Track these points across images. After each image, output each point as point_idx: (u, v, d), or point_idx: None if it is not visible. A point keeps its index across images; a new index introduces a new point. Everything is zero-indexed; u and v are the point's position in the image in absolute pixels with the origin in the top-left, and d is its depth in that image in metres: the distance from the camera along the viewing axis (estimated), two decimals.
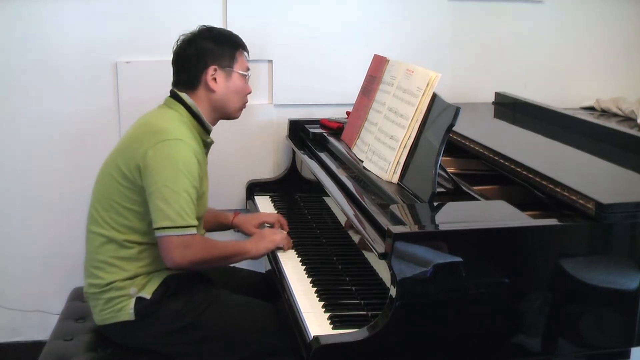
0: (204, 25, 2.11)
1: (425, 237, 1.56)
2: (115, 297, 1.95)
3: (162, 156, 1.87)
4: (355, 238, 1.95)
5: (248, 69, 2.12)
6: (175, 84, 2.09)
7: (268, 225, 2.31)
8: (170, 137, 1.90)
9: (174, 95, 2.06)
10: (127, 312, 1.94)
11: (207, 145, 2.11)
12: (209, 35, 2.07)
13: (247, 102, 2.16)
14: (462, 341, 1.61)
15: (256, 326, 1.98)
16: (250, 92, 2.15)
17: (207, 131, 2.09)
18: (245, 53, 2.13)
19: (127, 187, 1.93)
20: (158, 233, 1.87)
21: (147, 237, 1.95)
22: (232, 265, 2.35)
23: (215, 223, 2.35)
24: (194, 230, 1.89)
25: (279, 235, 2.12)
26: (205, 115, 2.06)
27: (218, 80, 2.04)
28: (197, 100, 2.05)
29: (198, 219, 1.97)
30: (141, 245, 1.96)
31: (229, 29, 2.69)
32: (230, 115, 2.13)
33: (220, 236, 2.37)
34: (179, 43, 2.08)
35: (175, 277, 2.00)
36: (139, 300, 1.94)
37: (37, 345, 2.41)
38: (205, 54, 2.03)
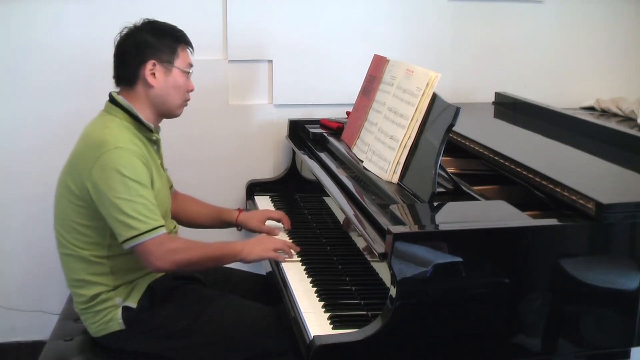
0: (147, 19, 2.04)
1: (425, 237, 1.56)
2: (103, 309, 1.94)
3: (105, 170, 1.82)
4: (359, 242, 1.94)
5: (191, 66, 2.04)
6: (116, 79, 2.02)
7: (274, 222, 2.29)
8: (109, 147, 1.83)
9: (111, 100, 2.00)
10: (116, 322, 1.93)
11: (154, 142, 2.04)
12: (149, 28, 2.00)
13: (188, 99, 2.06)
14: (462, 341, 1.61)
15: (254, 328, 1.97)
16: (192, 90, 2.06)
17: (150, 130, 2.01)
18: (189, 49, 2.05)
19: (81, 205, 1.89)
20: (127, 245, 1.83)
21: (113, 249, 1.92)
22: (230, 266, 2.35)
23: (217, 220, 2.32)
24: (163, 230, 1.85)
25: (279, 244, 2.05)
26: (144, 114, 1.98)
27: (157, 76, 1.97)
28: (135, 98, 1.98)
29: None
30: (111, 259, 1.93)
31: (229, 29, 2.72)
32: (170, 113, 2.04)
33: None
34: (120, 35, 2.01)
35: (160, 282, 1.98)
36: (126, 309, 1.93)
37: (37, 345, 2.41)
38: (144, 47, 1.96)
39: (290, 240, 2.18)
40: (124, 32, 2.02)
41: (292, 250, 2.07)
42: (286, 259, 2.03)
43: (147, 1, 2.64)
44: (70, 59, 2.63)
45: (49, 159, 2.67)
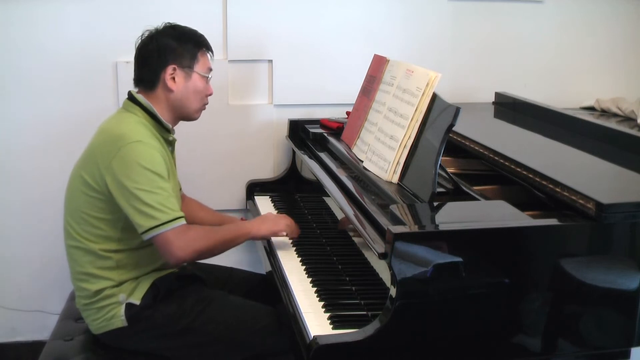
0: (169, 23, 2.07)
1: (425, 237, 1.55)
2: (106, 305, 1.94)
3: (126, 162, 1.84)
4: (358, 242, 1.94)
5: (210, 70, 2.09)
6: (136, 81, 2.05)
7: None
8: (129, 140, 1.86)
9: (131, 98, 2.02)
10: (118, 319, 1.94)
11: (169, 143, 2.08)
12: (171, 32, 2.03)
13: (207, 103, 2.11)
14: (462, 341, 1.61)
15: (254, 328, 1.97)
16: (211, 94, 2.10)
17: (167, 130, 2.05)
18: (209, 54, 2.09)
19: (95, 197, 1.91)
20: (148, 235, 1.85)
21: (122, 243, 1.94)
22: (230, 266, 2.36)
23: None
24: (183, 221, 1.88)
25: (284, 220, 2.11)
26: (163, 115, 2.02)
27: (177, 80, 2.00)
28: (155, 100, 2.01)
29: None
30: (118, 254, 1.95)
31: (229, 29, 2.72)
32: (188, 116, 2.08)
33: None
34: (141, 38, 2.04)
35: (164, 280, 1.99)
36: (129, 306, 1.94)
37: (37, 345, 2.41)
38: (165, 51, 1.99)
39: (290, 241, 2.18)
40: (146, 35, 2.04)
41: (292, 238, 2.14)
42: (289, 239, 2.13)
43: (148, 1, 2.64)
44: (70, 59, 2.63)
45: (49, 159, 2.68)
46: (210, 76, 2.09)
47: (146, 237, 1.86)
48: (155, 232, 1.84)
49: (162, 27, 2.05)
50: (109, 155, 1.87)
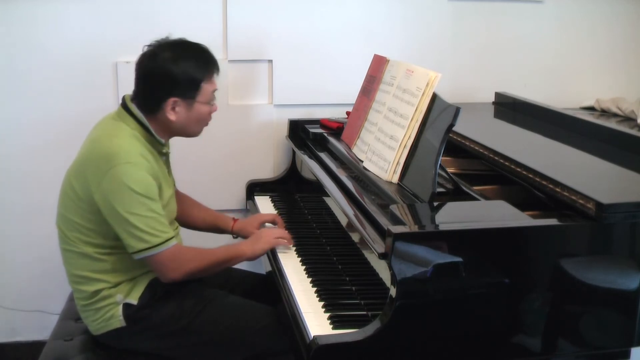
0: (172, 40, 1.95)
1: (425, 237, 1.56)
2: (104, 306, 1.94)
3: (115, 185, 1.81)
4: (358, 241, 1.94)
5: (214, 91, 1.98)
6: (135, 101, 1.96)
7: (269, 224, 2.30)
8: (120, 161, 1.81)
9: (124, 106, 1.95)
10: (117, 319, 1.94)
11: (163, 154, 2.03)
12: (173, 58, 1.89)
13: (210, 120, 2.03)
14: (462, 341, 1.61)
15: (253, 328, 1.97)
16: (215, 111, 2.02)
17: (161, 144, 1.99)
18: (215, 73, 1.98)
19: (85, 209, 1.89)
20: (139, 255, 1.85)
21: (116, 249, 1.92)
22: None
23: (213, 226, 2.33)
24: (174, 242, 1.87)
25: (276, 233, 2.11)
26: (157, 133, 1.96)
27: (178, 111, 1.93)
28: (153, 120, 1.94)
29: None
30: (114, 256, 1.94)
31: (229, 29, 2.71)
32: (188, 136, 2.04)
33: (215, 241, 2.38)
34: (143, 56, 1.93)
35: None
36: (127, 306, 1.94)
37: (37, 345, 2.41)
38: (166, 81, 1.89)
39: (290, 236, 2.17)
40: (147, 54, 1.93)
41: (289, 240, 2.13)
42: (287, 245, 2.11)
43: (148, 1, 2.64)
44: (70, 59, 2.63)
45: (49, 159, 2.68)
46: (214, 100, 2.00)
47: (137, 257, 1.86)
48: (147, 254, 1.85)
49: (164, 42, 1.93)
50: (98, 174, 1.83)
